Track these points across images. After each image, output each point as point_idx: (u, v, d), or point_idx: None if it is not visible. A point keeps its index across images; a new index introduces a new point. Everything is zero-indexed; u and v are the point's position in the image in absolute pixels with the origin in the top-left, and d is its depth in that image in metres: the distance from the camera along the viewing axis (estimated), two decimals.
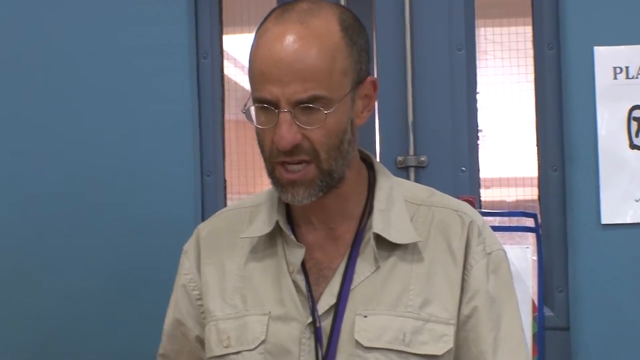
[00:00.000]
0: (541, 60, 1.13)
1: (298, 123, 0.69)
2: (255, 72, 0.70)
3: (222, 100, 1.17)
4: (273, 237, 0.79)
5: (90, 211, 1.15)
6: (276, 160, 0.70)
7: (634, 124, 1.12)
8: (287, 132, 0.68)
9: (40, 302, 1.13)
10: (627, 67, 1.12)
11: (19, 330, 1.15)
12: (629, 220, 1.12)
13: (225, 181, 1.23)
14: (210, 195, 1.20)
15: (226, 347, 0.78)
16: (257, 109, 0.72)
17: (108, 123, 1.17)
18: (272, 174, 0.73)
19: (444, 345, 0.74)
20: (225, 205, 1.22)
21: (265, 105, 0.69)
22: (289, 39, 0.69)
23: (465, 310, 0.75)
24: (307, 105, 0.68)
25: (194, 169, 1.16)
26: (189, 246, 0.85)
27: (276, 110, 0.69)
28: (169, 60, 1.14)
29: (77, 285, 1.14)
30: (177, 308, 0.85)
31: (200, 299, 0.82)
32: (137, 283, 1.15)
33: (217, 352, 0.78)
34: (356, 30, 0.73)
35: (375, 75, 1.11)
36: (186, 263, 0.84)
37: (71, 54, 1.16)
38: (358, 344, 0.74)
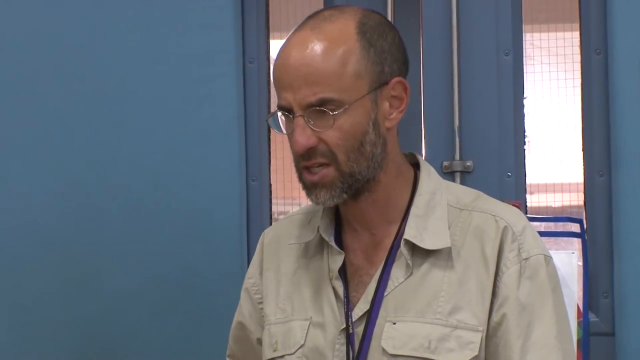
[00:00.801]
0: (588, 65, 1.15)
1: (312, 127, 0.71)
2: (274, 81, 0.73)
3: (268, 105, 1.19)
4: (320, 243, 0.81)
5: (139, 216, 1.20)
6: (300, 165, 0.73)
7: None
8: (300, 136, 0.71)
9: (95, 305, 1.18)
10: None
11: (75, 333, 1.21)
12: None
13: (270, 186, 1.26)
14: (255, 200, 1.23)
15: (274, 351, 0.81)
16: (281, 117, 0.75)
17: (156, 129, 1.21)
18: (300, 178, 0.75)
19: (470, 352, 0.75)
20: (270, 210, 1.26)
21: (284, 111, 0.73)
22: (299, 45, 0.72)
23: (496, 318, 0.75)
24: (317, 108, 0.71)
25: (239, 174, 1.19)
26: (256, 251, 0.89)
27: (291, 116, 0.72)
28: (215, 66, 1.18)
29: (129, 288, 1.19)
30: (241, 312, 0.89)
31: (261, 302, 0.86)
32: (184, 286, 1.19)
33: (268, 355, 0.81)
34: (378, 33, 0.74)
35: (422, 80, 1.14)
36: (251, 268, 0.88)
37: (122, 63, 1.21)
38: (384, 351, 0.75)
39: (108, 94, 1.22)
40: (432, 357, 0.73)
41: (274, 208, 1.27)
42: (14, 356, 1.25)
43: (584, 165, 1.16)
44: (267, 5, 1.23)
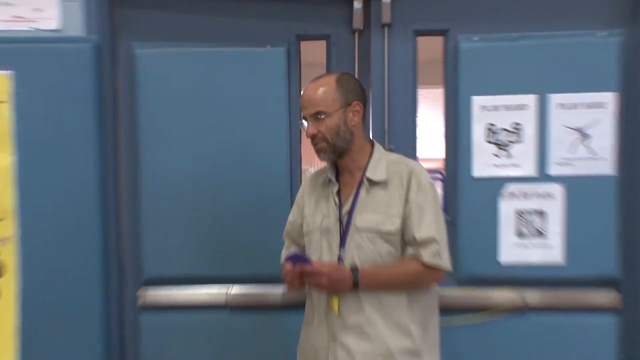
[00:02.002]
0: None
1: (313, 125, 1.39)
2: (300, 104, 1.45)
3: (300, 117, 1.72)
4: (328, 181, 1.51)
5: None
6: (312, 144, 1.44)
7: None
8: (309, 129, 1.40)
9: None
10: None
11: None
12: None
13: (301, 157, 2.07)
14: (295, 168, 2.05)
15: (307, 228, 1.55)
16: (303, 122, 1.44)
17: (238, 134, 2.01)
18: (316, 151, 1.45)
19: (395, 227, 1.40)
20: (300, 172, 2.06)
21: (304, 119, 1.41)
22: (309, 88, 1.42)
23: (406, 210, 1.40)
24: (315, 116, 1.39)
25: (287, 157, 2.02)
26: (301, 186, 1.65)
27: (305, 121, 1.41)
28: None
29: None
30: (293, 212, 1.64)
31: (302, 208, 1.59)
32: (262, 215, 2.00)
33: (305, 230, 1.55)
34: (346, 81, 1.44)
35: (371, 102, 1.95)
36: (298, 194, 1.63)
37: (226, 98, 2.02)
38: (356, 227, 1.42)
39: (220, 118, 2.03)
40: (377, 228, 1.40)
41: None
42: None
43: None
44: None
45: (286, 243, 1.69)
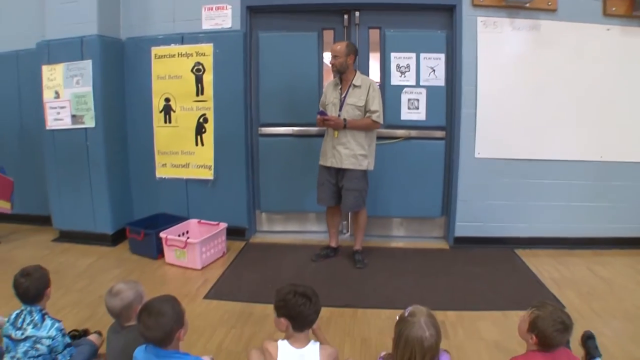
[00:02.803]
0: None
1: (333, 60, 4.18)
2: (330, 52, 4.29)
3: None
4: (337, 84, 4.31)
5: None
6: (331, 68, 4.28)
7: None
8: (331, 61, 4.20)
9: None
10: None
11: None
12: None
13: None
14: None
15: (326, 102, 4.37)
16: (329, 60, 4.47)
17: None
18: (332, 71, 4.29)
19: (362, 104, 4.14)
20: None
21: (331, 58, 4.21)
22: (334, 45, 4.21)
23: (367, 97, 4.15)
24: (334, 56, 4.14)
25: None
26: (325, 86, 4.54)
27: (330, 59, 4.22)
28: None
29: None
30: (323, 96, 4.58)
31: (325, 95, 4.42)
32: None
33: (326, 103, 4.33)
34: (348, 46, 4.14)
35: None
36: (325, 89, 4.49)
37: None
38: (347, 103, 4.21)
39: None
40: (355, 104, 4.17)
41: None
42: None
43: None
44: None
45: (320, 108, 4.24)
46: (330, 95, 4.34)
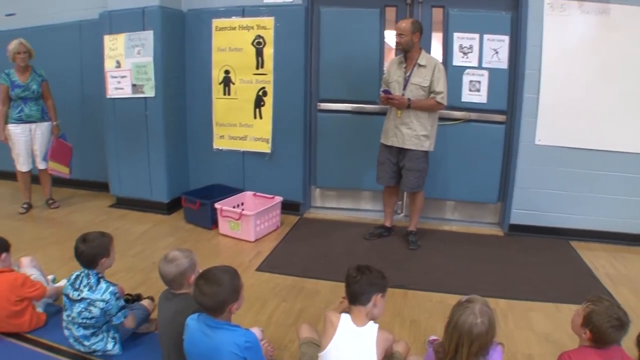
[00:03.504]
0: None
1: (398, 38, 4.11)
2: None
3: None
4: (401, 62, 4.28)
5: None
6: (396, 46, 4.16)
7: None
8: (397, 39, 4.12)
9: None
10: None
11: None
12: None
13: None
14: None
15: (390, 80, 4.51)
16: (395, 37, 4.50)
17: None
18: (397, 49, 4.30)
19: (427, 84, 4.09)
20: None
21: (396, 36, 4.17)
22: (399, 23, 4.13)
23: (432, 78, 4.09)
24: (399, 34, 4.06)
25: None
26: (388, 63, 4.58)
27: (395, 37, 4.15)
28: None
29: None
30: (386, 74, 4.53)
31: (389, 72, 4.39)
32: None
33: (389, 80, 4.35)
34: (414, 23, 4.05)
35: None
36: (387, 66, 4.54)
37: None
38: (411, 83, 4.16)
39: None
40: (419, 84, 4.14)
41: None
42: None
43: None
44: None
45: (383, 86, 4.32)
46: (394, 73, 4.28)
